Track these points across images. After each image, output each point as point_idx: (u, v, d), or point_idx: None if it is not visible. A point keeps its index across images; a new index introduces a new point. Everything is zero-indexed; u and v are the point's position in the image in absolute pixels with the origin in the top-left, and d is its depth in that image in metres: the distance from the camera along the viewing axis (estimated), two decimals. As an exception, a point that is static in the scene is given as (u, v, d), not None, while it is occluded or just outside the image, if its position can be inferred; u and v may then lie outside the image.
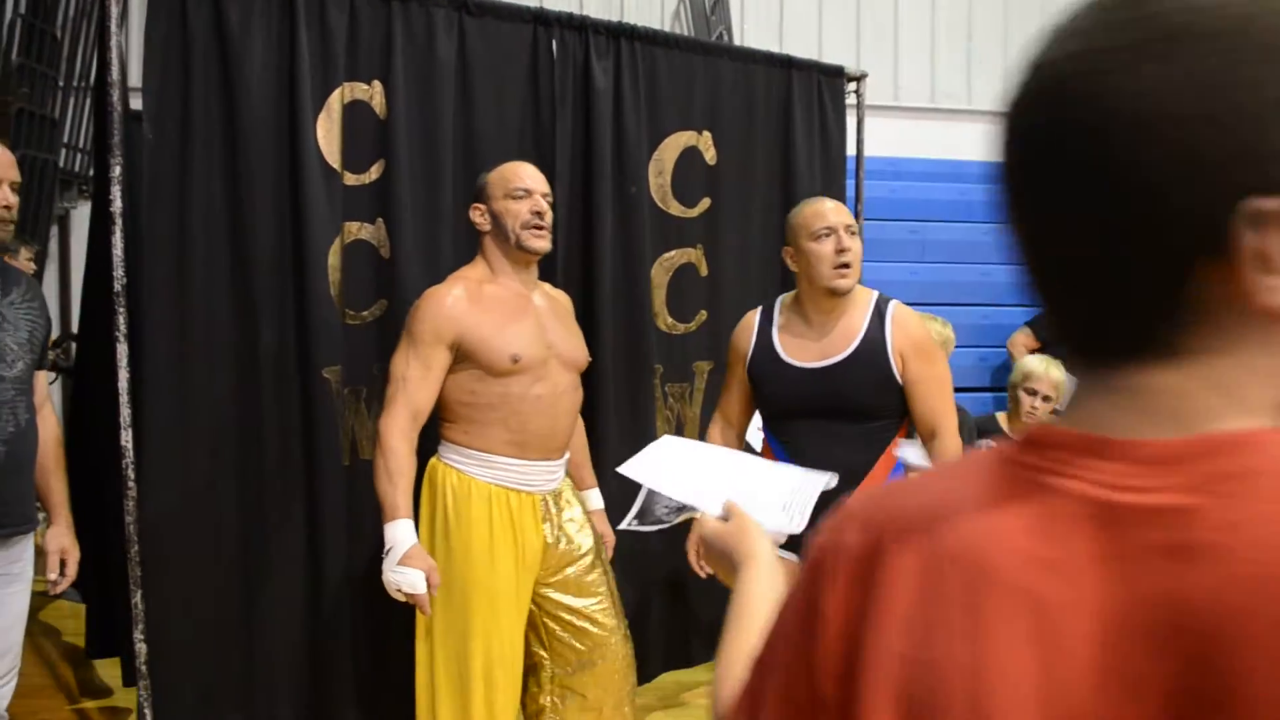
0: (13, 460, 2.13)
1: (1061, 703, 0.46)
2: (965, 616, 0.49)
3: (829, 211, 2.26)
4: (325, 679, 2.63)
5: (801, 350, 2.27)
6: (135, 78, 2.51)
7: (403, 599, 2.12)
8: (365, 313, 2.69)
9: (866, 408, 2.22)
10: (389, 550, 2.13)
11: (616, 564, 2.54)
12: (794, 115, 3.40)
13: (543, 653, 2.38)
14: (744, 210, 3.31)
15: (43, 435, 2.25)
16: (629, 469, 1.46)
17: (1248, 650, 0.42)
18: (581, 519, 2.40)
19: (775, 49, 3.74)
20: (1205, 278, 0.45)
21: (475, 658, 2.20)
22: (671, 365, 3.19)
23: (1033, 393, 3.36)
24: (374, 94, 2.67)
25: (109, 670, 3.27)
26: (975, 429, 3.48)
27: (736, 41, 6.16)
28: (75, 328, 4.86)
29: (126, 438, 2.35)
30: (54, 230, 5.74)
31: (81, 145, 5.74)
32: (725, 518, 0.94)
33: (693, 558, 2.25)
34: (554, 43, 2.94)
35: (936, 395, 2.24)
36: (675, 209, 3.18)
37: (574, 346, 2.41)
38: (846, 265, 2.22)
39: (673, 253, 3.19)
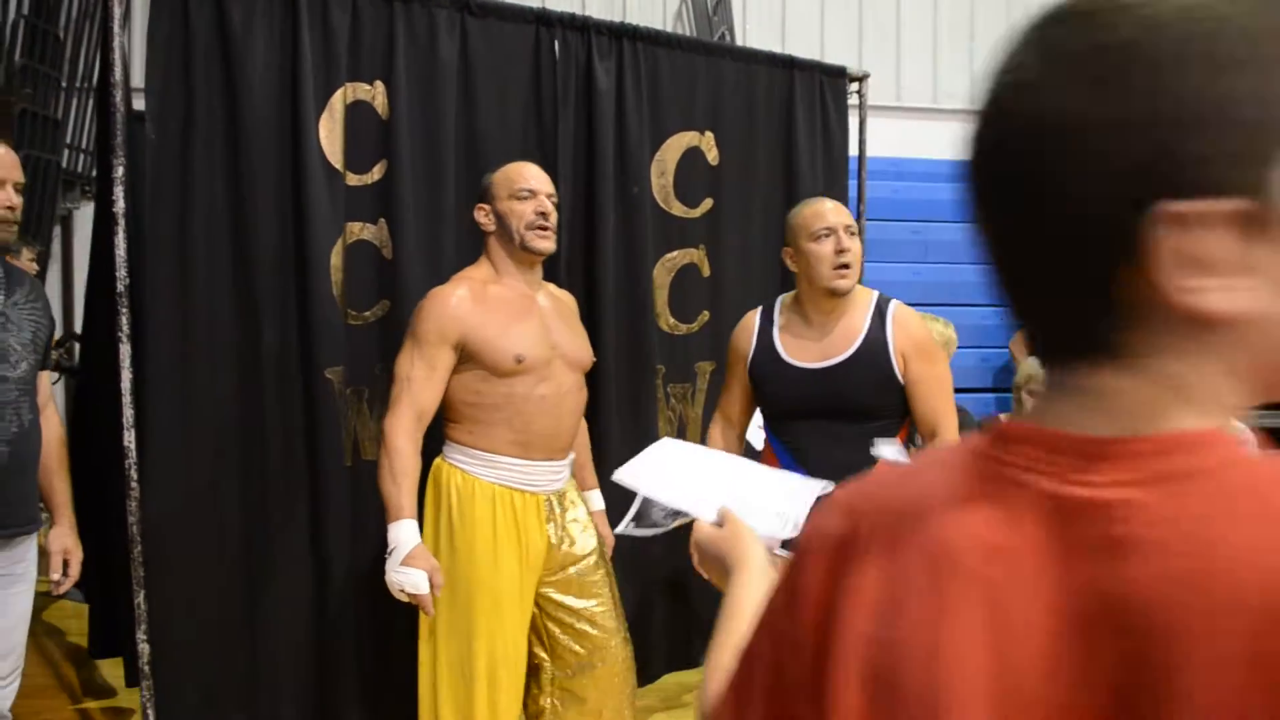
0: (16, 461, 2.13)
1: (1013, 689, 0.47)
2: (927, 601, 0.51)
3: (828, 212, 2.26)
4: (328, 679, 2.63)
5: (802, 350, 2.27)
6: (138, 78, 2.51)
7: (406, 599, 2.13)
8: (367, 313, 2.69)
9: (868, 408, 2.22)
10: (392, 550, 2.13)
11: (618, 565, 2.54)
12: (796, 115, 3.40)
13: (543, 654, 2.38)
14: (746, 211, 3.31)
15: (46, 436, 2.25)
16: (624, 476, 1.46)
17: (1182, 645, 0.43)
18: (585, 520, 2.40)
19: (777, 49, 3.74)
20: (1135, 281, 0.47)
21: (479, 658, 2.20)
22: (674, 366, 3.19)
23: (1036, 394, 3.36)
24: (376, 94, 2.67)
25: (112, 670, 3.28)
26: (978, 429, 3.48)
27: (738, 42, 6.16)
28: (78, 328, 4.87)
29: (129, 438, 2.35)
30: (57, 231, 5.76)
31: (84, 146, 5.75)
32: (719, 523, 0.94)
33: (696, 560, 2.25)
34: (556, 43, 2.94)
35: (937, 395, 2.24)
36: (677, 209, 3.18)
37: (578, 347, 2.41)
38: (846, 266, 2.22)
39: (675, 253, 3.19)
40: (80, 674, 3.51)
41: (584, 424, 2.54)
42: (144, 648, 2.38)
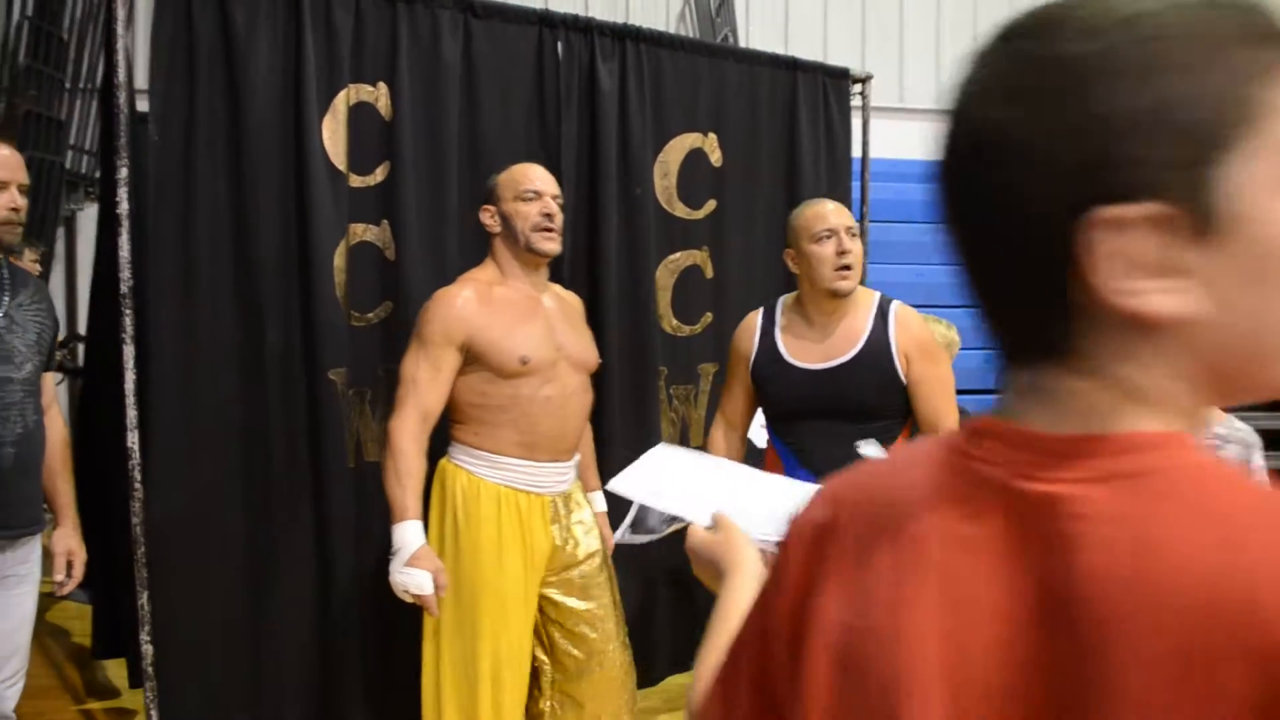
0: (21, 462, 2.13)
1: (968, 676, 0.49)
2: (893, 589, 0.54)
3: (830, 213, 2.26)
4: (332, 680, 2.64)
5: (805, 351, 2.27)
6: (141, 80, 2.51)
7: (410, 600, 2.13)
8: (370, 314, 2.69)
9: (870, 408, 2.21)
10: (396, 551, 2.13)
11: (620, 566, 2.54)
12: (799, 117, 3.40)
13: (543, 657, 2.37)
14: (749, 212, 3.31)
15: (50, 437, 2.26)
16: (618, 485, 1.46)
17: (1119, 640, 0.44)
18: (590, 522, 2.40)
19: (780, 51, 3.74)
20: (1083, 286, 0.48)
21: (483, 658, 2.20)
22: (676, 367, 3.19)
23: None
24: (379, 96, 2.67)
25: (116, 671, 3.28)
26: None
27: (741, 43, 6.16)
28: (81, 329, 4.88)
29: (133, 439, 2.35)
30: (61, 232, 5.76)
31: (87, 147, 5.76)
32: (713, 527, 0.94)
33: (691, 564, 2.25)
34: (559, 45, 2.94)
35: (939, 396, 2.24)
36: (680, 211, 3.18)
37: (584, 348, 2.41)
38: (848, 267, 2.22)
39: (678, 254, 3.19)
40: (83, 675, 3.51)
41: (589, 426, 2.54)
42: (147, 649, 2.38)
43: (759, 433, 2.62)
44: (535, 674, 2.39)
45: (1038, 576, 0.48)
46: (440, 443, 2.30)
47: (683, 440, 3.23)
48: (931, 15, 7.25)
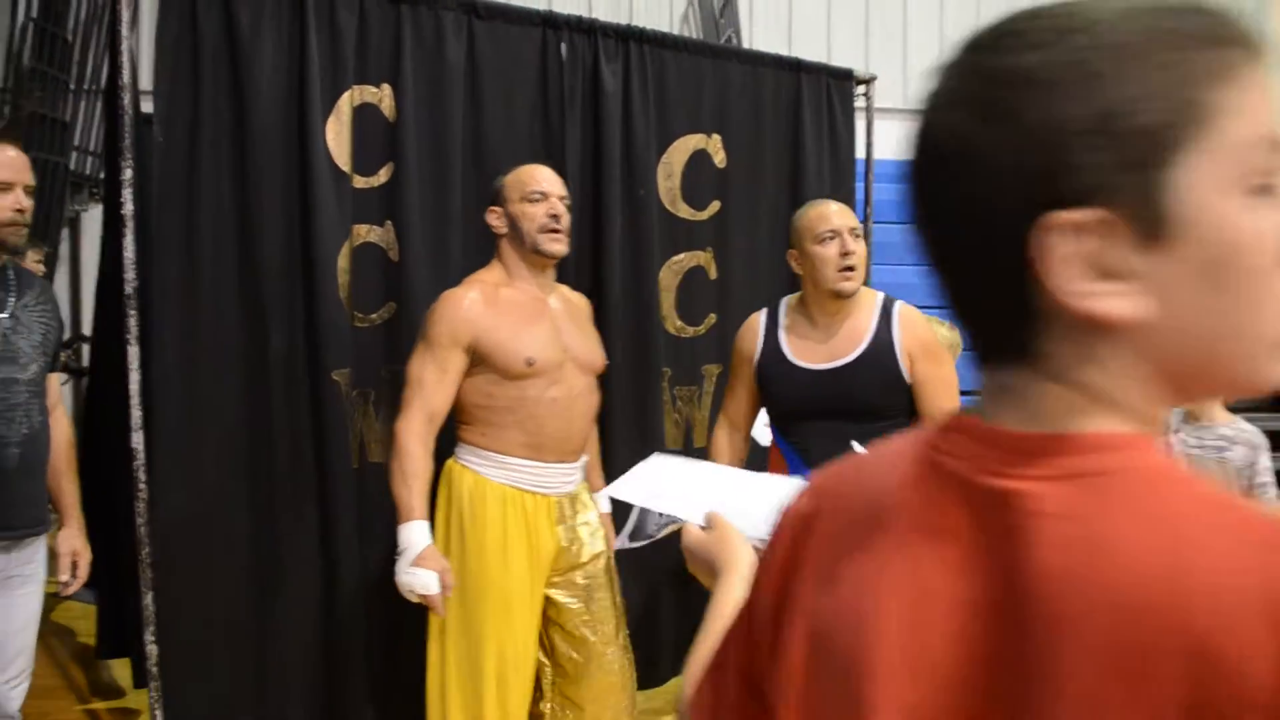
0: (26, 462, 2.14)
1: (924, 660, 0.51)
2: (861, 574, 0.56)
3: (833, 214, 2.26)
4: (337, 681, 2.64)
5: (809, 352, 2.27)
6: (146, 81, 2.52)
7: (416, 600, 2.13)
8: (374, 315, 2.69)
9: (875, 408, 2.21)
10: (403, 551, 2.13)
11: (625, 567, 2.54)
12: (803, 118, 3.39)
13: (544, 659, 2.37)
14: (753, 213, 3.31)
15: (54, 438, 2.26)
16: (616, 491, 1.47)
17: (1061, 634, 0.46)
18: (596, 523, 2.40)
19: (784, 52, 3.74)
20: (1040, 289, 0.49)
21: (487, 659, 2.20)
22: (680, 368, 3.19)
23: None
24: (383, 97, 2.67)
25: (120, 670, 3.28)
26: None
27: (745, 44, 6.16)
28: (85, 329, 4.89)
29: (137, 439, 2.36)
30: (65, 233, 5.77)
31: (92, 148, 5.77)
32: (707, 527, 0.95)
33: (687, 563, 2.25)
34: (563, 46, 2.94)
35: (944, 396, 2.24)
36: (684, 212, 3.18)
37: (590, 350, 2.41)
38: (851, 268, 2.22)
39: (682, 255, 3.19)
40: (88, 675, 3.52)
41: (595, 426, 2.54)
42: (152, 649, 2.38)
43: (763, 431, 2.62)
44: (537, 675, 2.39)
45: (994, 568, 0.50)
46: (447, 443, 2.30)
47: (686, 441, 3.23)
48: (935, 16, 7.24)
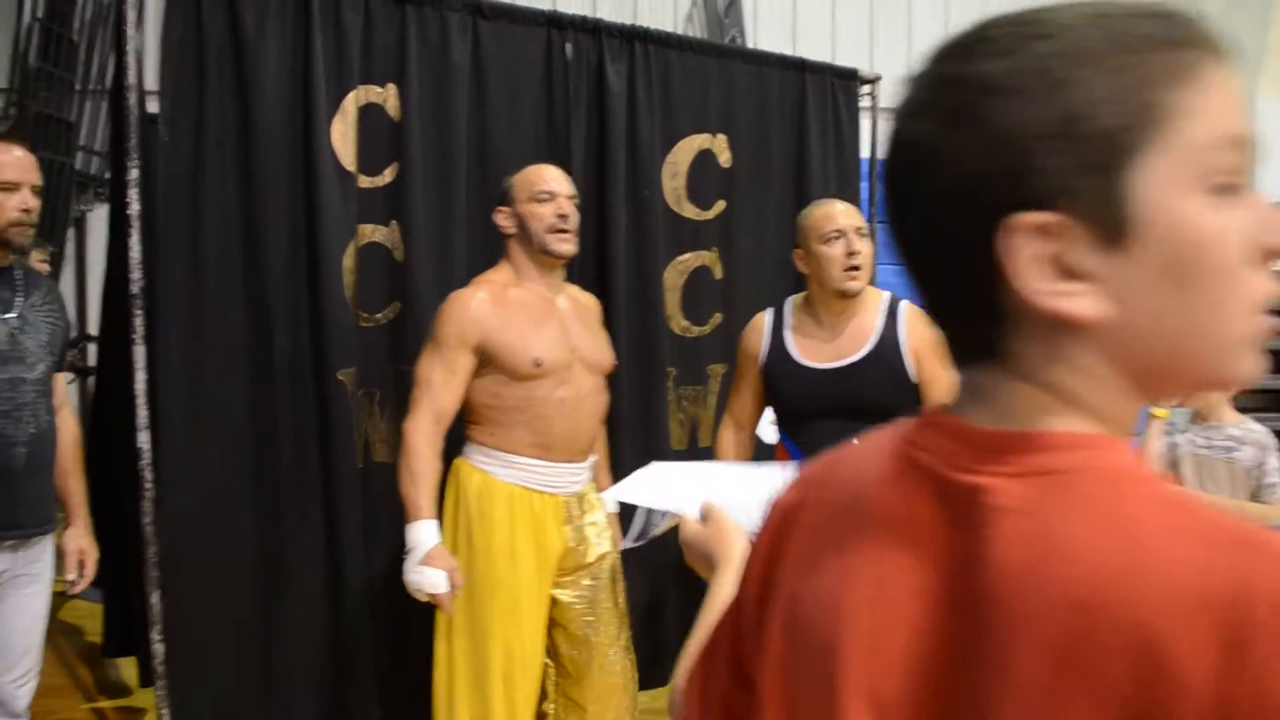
0: (33, 462, 2.14)
1: (886, 645, 0.53)
2: (837, 563, 0.57)
3: (839, 214, 2.26)
4: (343, 679, 2.64)
5: (815, 351, 2.27)
6: (151, 81, 2.52)
7: (425, 599, 2.13)
8: (379, 315, 2.69)
9: (882, 407, 2.20)
10: (411, 550, 2.13)
11: (631, 565, 2.54)
12: (808, 118, 3.39)
13: (547, 660, 2.37)
14: (759, 213, 3.30)
15: (61, 437, 2.27)
16: (616, 495, 1.47)
17: (1013, 629, 0.47)
18: (603, 524, 2.40)
19: (789, 52, 3.74)
20: (1010, 290, 0.50)
21: (495, 658, 2.21)
22: (685, 368, 3.19)
23: None
24: (388, 97, 2.68)
25: (128, 669, 3.29)
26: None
27: (749, 44, 6.15)
28: (91, 329, 4.89)
29: (144, 439, 2.36)
30: (71, 233, 5.78)
31: (97, 148, 5.78)
32: (704, 519, 0.96)
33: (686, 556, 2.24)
34: (568, 46, 2.94)
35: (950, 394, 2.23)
36: (690, 211, 3.18)
37: (598, 350, 2.40)
38: (857, 267, 2.22)
39: (687, 255, 3.18)
40: (94, 673, 3.52)
41: (603, 426, 2.54)
42: (158, 648, 2.39)
43: (769, 430, 2.62)
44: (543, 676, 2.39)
45: (957, 561, 0.51)
46: (455, 442, 2.30)
47: (692, 440, 3.23)
48: (940, 16, 7.23)
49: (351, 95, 2.62)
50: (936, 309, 0.57)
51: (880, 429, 0.62)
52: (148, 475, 2.37)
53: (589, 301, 2.50)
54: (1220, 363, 0.51)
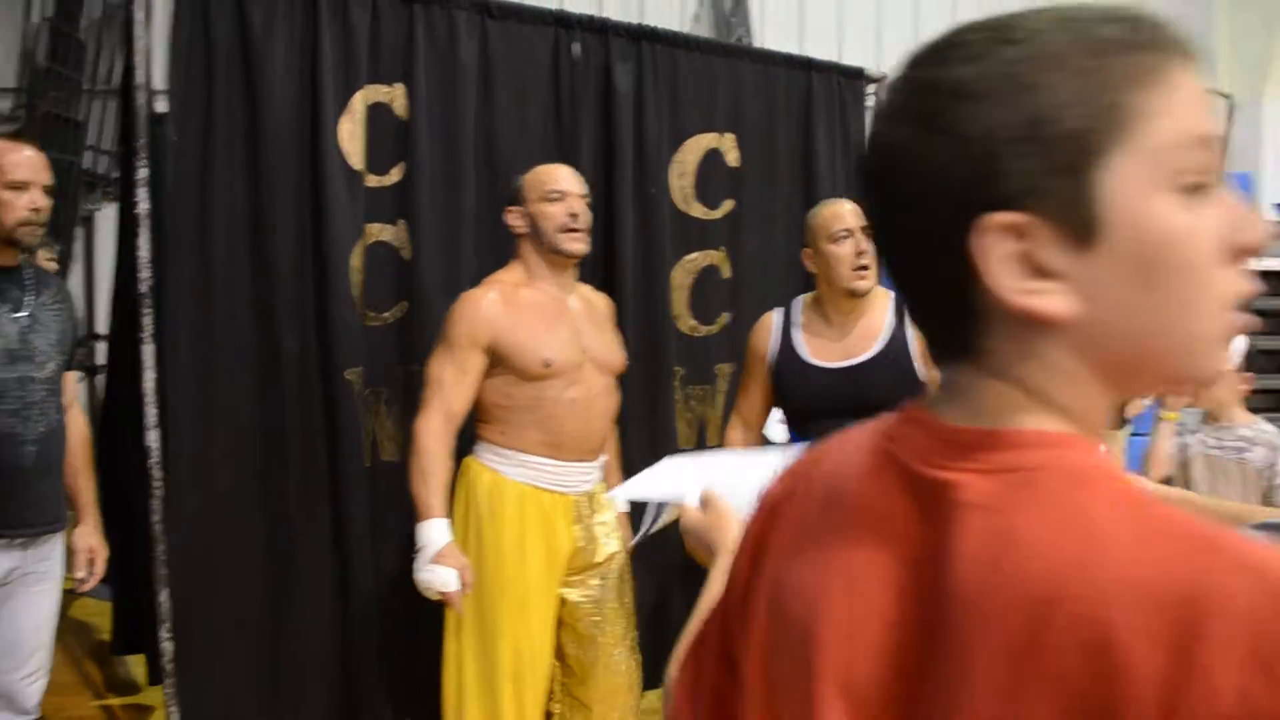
0: (43, 460, 2.15)
1: (861, 636, 0.54)
2: (817, 553, 0.59)
3: (847, 213, 2.26)
4: (351, 678, 2.64)
5: (824, 350, 2.27)
6: (159, 80, 2.53)
7: (436, 597, 2.13)
8: (386, 314, 2.70)
9: (891, 406, 2.19)
10: (421, 549, 2.14)
11: (638, 562, 2.54)
12: (815, 117, 3.39)
13: (553, 659, 2.37)
14: (766, 212, 3.30)
15: (71, 435, 2.27)
16: (625, 493, 1.47)
17: (974, 625, 0.48)
18: (612, 524, 2.40)
19: (795, 51, 3.74)
20: (983, 289, 0.51)
21: (504, 656, 2.21)
22: (693, 367, 3.18)
23: None
24: (395, 96, 2.68)
25: (138, 666, 3.30)
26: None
27: (756, 44, 6.15)
28: (99, 328, 4.91)
29: (152, 437, 2.37)
30: (79, 232, 5.80)
31: (105, 147, 5.79)
32: (703, 507, 0.97)
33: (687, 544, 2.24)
34: (575, 45, 2.94)
35: None
36: (697, 211, 3.18)
37: (609, 350, 2.40)
38: (865, 267, 2.22)
39: (695, 255, 3.18)
40: (103, 670, 3.54)
41: (614, 426, 2.54)
42: (167, 645, 2.39)
43: (777, 429, 2.62)
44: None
45: (923, 553, 0.52)
46: (465, 441, 2.30)
47: (699, 440, 3.22)
48: (947, 15, 7.21)
49: (359, 94, 2.62)
50: (915, 308, 0.58)
51: (865, 423, 0.63)
52: (156, 474, 2.37)
53: (601, 301, 2.49)
54: (1190, 359, 0.52)
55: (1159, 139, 0.49)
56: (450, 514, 2.22)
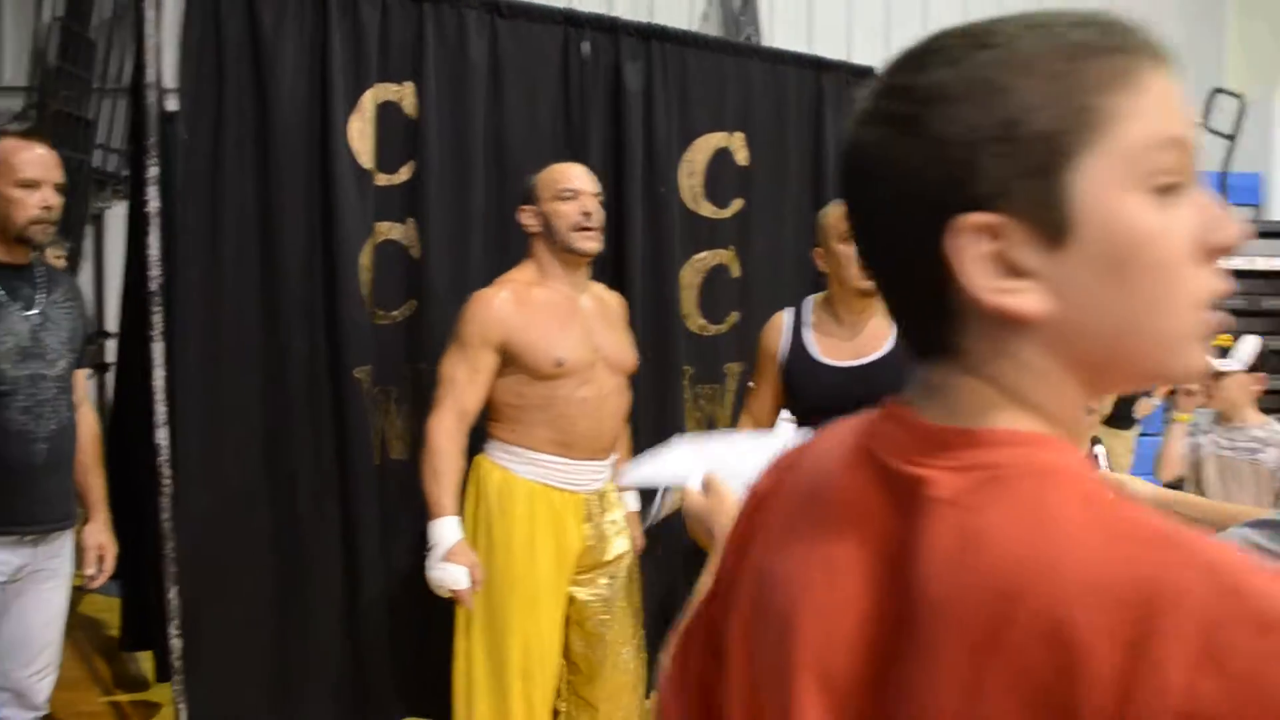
0: (54, 458, 2.16)
1: (836, 627, 0.55)
2: (797, 544, 0.60)
3: None
4: (360, 675, 2.65)
5: (835, 349, 2.26)
6: (169, 79, 2.53)
7: (447, 595, 2.14)
8: (395, 312, 2.70)
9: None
10: (433, 547, 2.14)
11: (647, 563, 2.53)
12: (825, 116, 3.38)
13: (560, 657, 2.37)
14: (776, 212, 3.29)
15: (81, 433, 2.28)
16: (632, 475, 1.47)
17: (938, 619, 0.49)
18: (622, 523, 2.40)
19: (804, 50, 3.73)
20: (959, 288, 0.52)
21: (513, 653, 2.21)
22: (702, 366, 3.18)
23: None
24: (404, 94, 2.68)
25: (147, 663, 3.31)
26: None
27: (765, 43, 6.14)
28: (109, 325, 4.92)
29: (162, 435, 2.37)
30: (89, 230, 5.82)
31: (115, 146, 5.81)
32: (705, 490, 0.97)
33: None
34: (585, 44, 2.94)
35: None
36: (707, 210, 3.17)
37: (621, 350, 2.40)
38: None
39: (704, 254, 3.18)
40: (112, 666, 3.55)
41: (625, 425, 2.53)
42: (176, 643, 2.40)
43: (786, 428, 2.61)
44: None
45: (895, 547, 0.53)
46: (476, 439, 2.30)
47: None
48: (957, 15, 7.18)
49: (369, 93, 2.62)
50: (893, 307, 0.59)
51: (849, 418, 0.64)
52: (166, 471, 2.38)
53: (614, 300, 2.49)
54: (1163, 357, 0.52)
55: (1129, 140, 0.50)
56: (461, 512, 2.22)
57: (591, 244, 2.28)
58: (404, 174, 2.69)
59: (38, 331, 2.14)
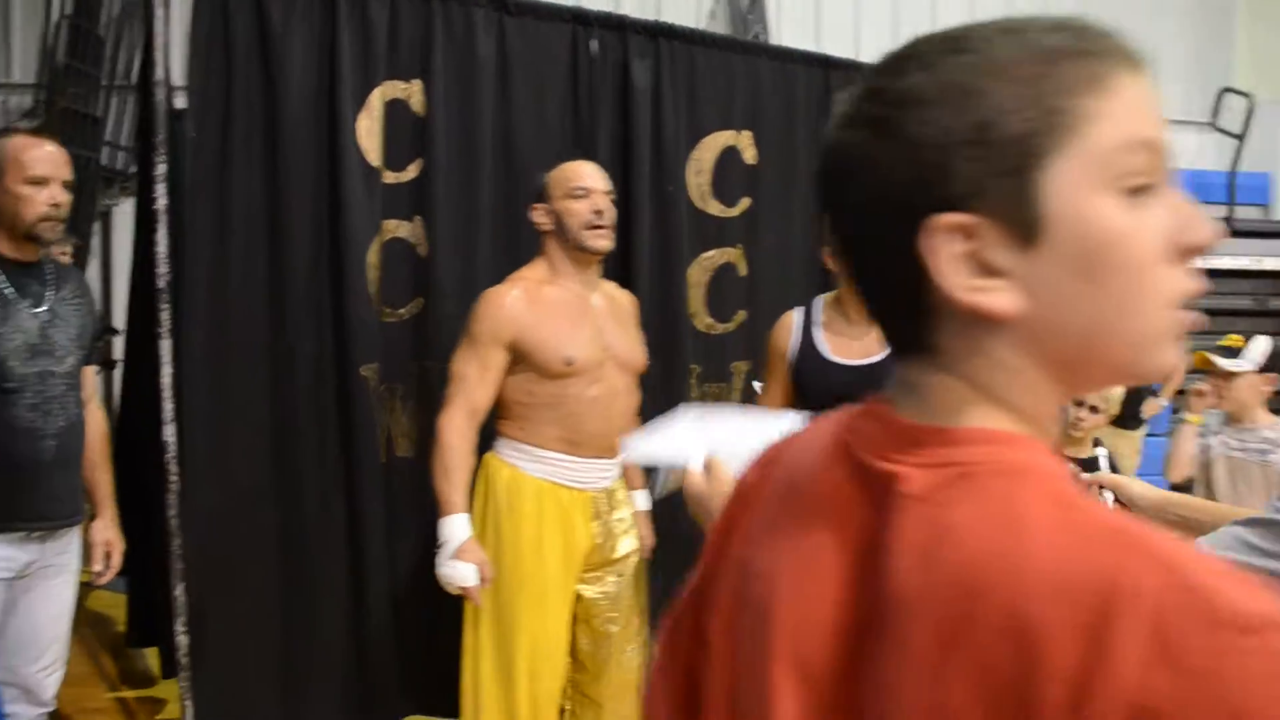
0: (62, 454, 2.16)
1: (811, 619, 0.56)
2: (777, 536, 0.62)
3: None
4: (366, 672, 2.65)
5: (845, 348, 2.26)
6: (177, 76, 2.53)
7: (456, 592, 2.15)
8: (402, 310, 2.70)
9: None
10: (443, 544, 2.14)
11: (654, 561, 2.53)
12: (832, 115, 3.37)
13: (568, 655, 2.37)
14: (784, 210, 3.29)
15: (89, 430, 2.28)
16: (635, 450, 1.46)
17: (908, 613, 0.50)
18: (630, 521, 2.40)
19: (812, 48, 3.72)
20: (934, 287, 0.53)
21: (520, 650, 2.21)
22: (710, 365, 3.17)
23: (1080, 403, 3.29)
24: (413, 92, 2.68)
25: (152, 659, 3.31)
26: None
27: (772, 41, 6.13)
28: (116, 322, 4.93)
29: (169, 432, 2.38)
30: (97, 227, 5.83)
31: (123, 143, 5.82)
32: (706, 472, 0.99)
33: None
34: (593, 42, 2.93)
35: None
36: (714, 208, 3.17)
37: (631, 349, 2.40)
38: None
39: (712, 252, 3.17)
40: (118, 663, 3.56)
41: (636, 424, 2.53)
42: (182, 639, 2.40)
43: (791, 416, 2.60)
44: (563, 670, 2.38)
45: (867, 541, 0.55)
46: (486, 437, 2.30)
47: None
48: (964, 14, 7.17)
49: (377, 90, 2.62)
50: (872, 306, 0.59)
51: (830, 414, 0.65)
52: (173, 468, 2.38)
53: (625, 299, 2.49)
54: (1136, 356, 0.53)
55: (1100, 142, 0.51)
56: (470, 509, 2.22)
57: (603, 242, 2.28)
58: (412, 172, 2.69)
59: (46, 328, 2.14)
